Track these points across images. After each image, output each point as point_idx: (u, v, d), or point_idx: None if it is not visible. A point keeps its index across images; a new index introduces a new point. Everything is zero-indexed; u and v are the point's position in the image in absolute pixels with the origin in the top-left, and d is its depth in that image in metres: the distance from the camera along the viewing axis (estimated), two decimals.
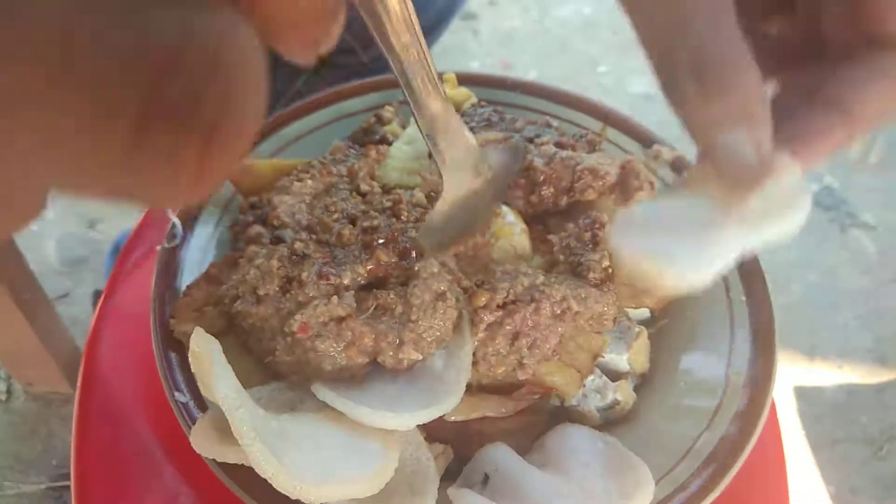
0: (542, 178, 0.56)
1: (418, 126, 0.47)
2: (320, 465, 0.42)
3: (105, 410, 0.58)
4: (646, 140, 0.66)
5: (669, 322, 0.58)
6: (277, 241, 0.55)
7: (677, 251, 0.36)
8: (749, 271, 0.57)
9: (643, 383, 0.56)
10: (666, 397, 0.54)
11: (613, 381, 0.53)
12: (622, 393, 0.52)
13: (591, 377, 0.53)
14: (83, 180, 0.12)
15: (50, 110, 0.10)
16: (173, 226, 0.58)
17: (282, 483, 0.39)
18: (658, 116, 2.29)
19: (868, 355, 1.73)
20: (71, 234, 1.77)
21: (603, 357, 0.53)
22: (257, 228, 0.55)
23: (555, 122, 0.64)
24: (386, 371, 0.48)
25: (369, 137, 0.64)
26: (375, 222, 0.53)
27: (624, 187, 0.56)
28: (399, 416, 0.44)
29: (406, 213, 0.54)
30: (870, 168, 2.06)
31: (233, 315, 0.51)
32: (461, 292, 0.51)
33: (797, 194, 0.34)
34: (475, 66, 2.29)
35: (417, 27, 0.41)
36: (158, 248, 0.57)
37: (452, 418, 0.49)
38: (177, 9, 0.11)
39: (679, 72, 0.29)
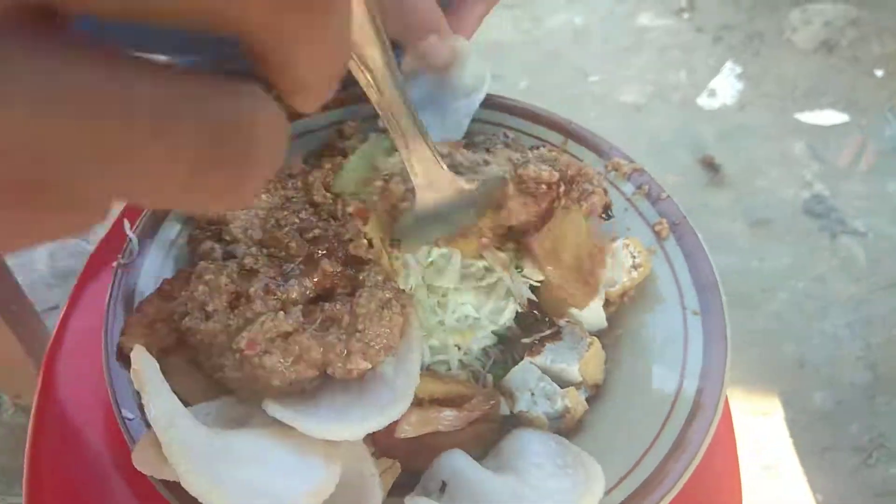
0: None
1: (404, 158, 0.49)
2: (260, 482, 0.42)
3: (60, 426, 0.58)
4: (606, 154, 0.66)
5: (624, 333, 0.58)
6: (229, 256, 0.55)
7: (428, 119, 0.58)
8: (704, 284, 0.57)
9: (597, 394, 0.56)
10: (619, 407, 0.54)
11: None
12: (571, 399, 0.52)
13: (541, 383, 0.53)
14: (149, 196, 0.17)
15: (137, 146, 0.15)
16: (129, 241, 0.58)
17: (214, 502, 0.39)
18: (649, 125, 2.28)
19: (858, 363, 1.73)
20: (63, 247, 1.78)
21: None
22: (209, 244, 0.55)
23: (511, 135, 0.65)
24: (337, 382, 0.49)
25: (330, 152, 0.65)
26: (317, 232, 0.53)
27: (578, 193, 0.56)
28: (348, 426, 0.44)
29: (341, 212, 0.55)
30: (860, 175, 2.06)
31: (182, 331, 0.51)
32: (408, 298, 0.51)
33: (482, 70, 0.65)
34: None
35: (399, 78, 0.44)
36: (114, 263, 0.57)
37: (404, 434, 0.49)
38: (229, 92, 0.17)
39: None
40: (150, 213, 0.60)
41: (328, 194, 0.58)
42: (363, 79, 0.44)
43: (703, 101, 2.26)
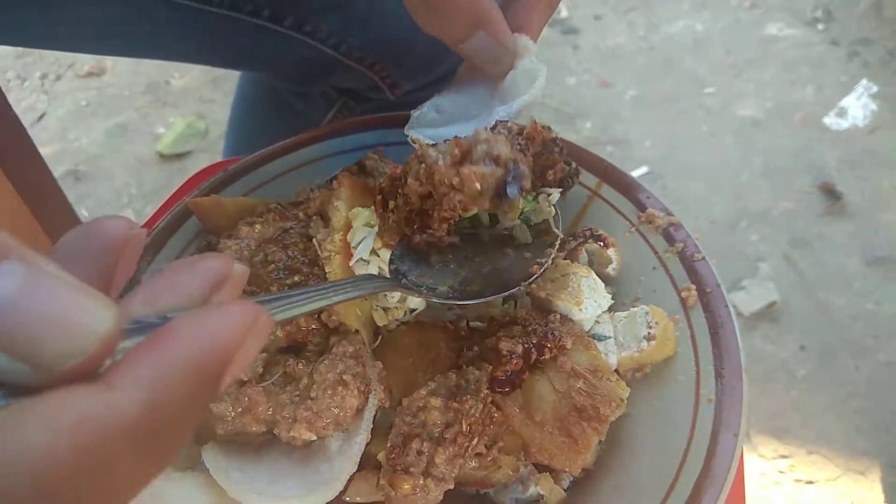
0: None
1: None
2: None
3: None
4: (641, 203, 0.60)
5: (630, 415, 0.52)
6: None
7: (463, 132, 0.49)
8: (725, 366, 0.50)
9: (586, 478, 0.50)
10: (605, 499, 0.48)
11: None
12: (545, 486, 0.47)
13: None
14: None
15: None
16: None
17: None
18: (765, 144, 2.12)
19: None
20: None
21: None
22: None
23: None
24: (283, 443, 0.46)
25: None
26: (298, 278, 0.50)
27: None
28: (265, 500, 0.41)
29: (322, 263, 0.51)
30: None
31: None
32: (374, 378, 0.47)
33: (537, 67, 0.51)
34: (571, 83, 2.22)
35: None
36: None
37: (358, 500, 0.46)
38: None
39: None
40: (155, 232, 0.60)
41: (322, 227, 0.55)
42: None
43: (830, 121, 2.07)
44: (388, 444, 0.46)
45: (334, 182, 0.58)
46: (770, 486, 1.53)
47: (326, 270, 0.51)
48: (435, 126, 0.55)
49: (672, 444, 0.48)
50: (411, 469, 0.44)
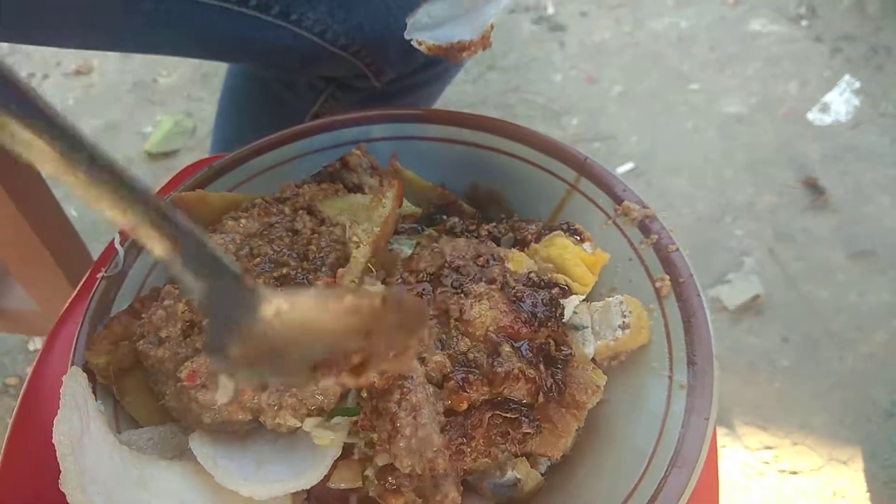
0: None
1: None
2: None
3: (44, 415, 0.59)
4: (617, 196, 0.61)
5: (606, 401, 0.54)
6: None
7: (459, 30, 0.58)
8: (697, 353, 0.52)
9: (563, 463, 0.52)
10: (579, 483, 0.50)
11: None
12: (521, 470, 0.49)
13: None
14: None
15: None
16: (116, 254, 0.59)
17: None
18: (749, 139, 2.14)
19: None
20: None
21: None
22: None
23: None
24: (268, 431, 0.47)
25: (334, 182, 0.63)
26: (286, 271, 0.51)
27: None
28: (252, 486, 0.43)
29: (314, 253, 0.52)
30: None
31: (138, 353, 0.51)
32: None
33: None
34: (558, 79, 2.23)
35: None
36: (98, 275, 0.58)
37: (335, 486, 0.47)
38: None
39: None
40: None
41: (308, 222, 0.56)
42: None
43: (813, 116, 2.09)
44: (378, 464, 0.46)
45: (384, 181, 0.61)
46: (754, 476, 1.55)
47: (352, 255, 0.53)
48: (432, 28, 0.61)
49: (646, 428, 0.50)
50: (403, 489, 0.45)
